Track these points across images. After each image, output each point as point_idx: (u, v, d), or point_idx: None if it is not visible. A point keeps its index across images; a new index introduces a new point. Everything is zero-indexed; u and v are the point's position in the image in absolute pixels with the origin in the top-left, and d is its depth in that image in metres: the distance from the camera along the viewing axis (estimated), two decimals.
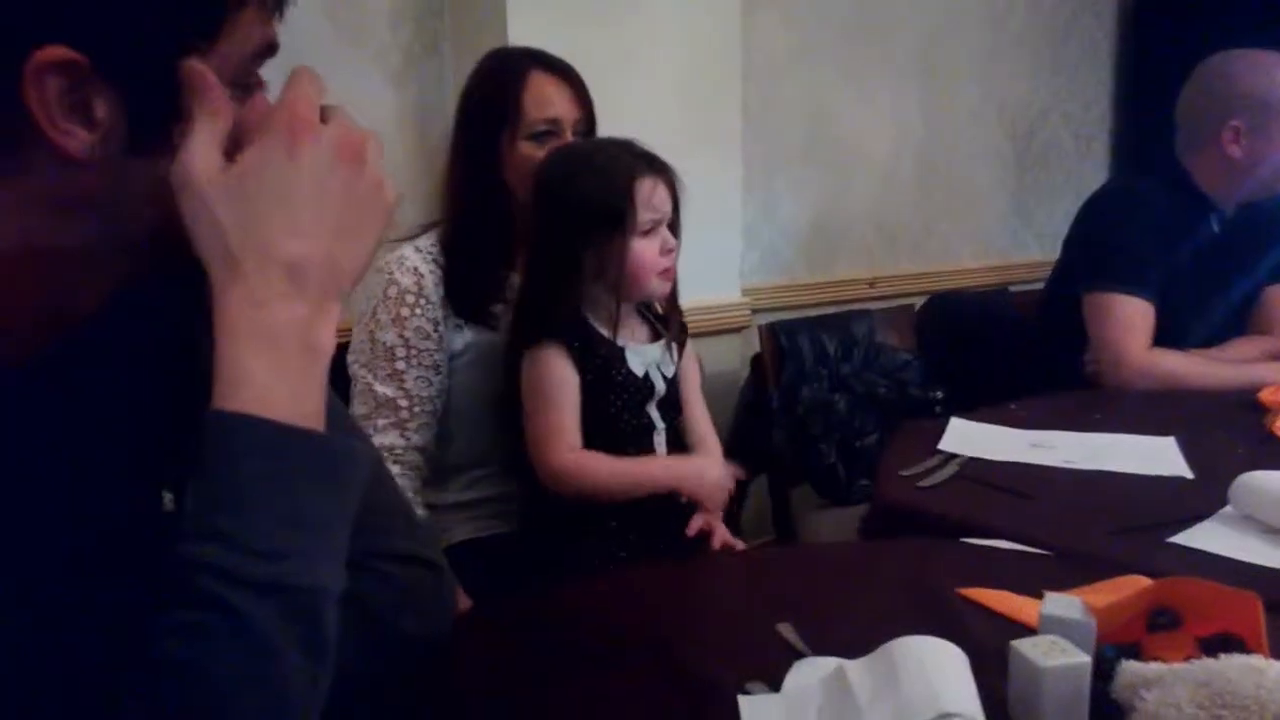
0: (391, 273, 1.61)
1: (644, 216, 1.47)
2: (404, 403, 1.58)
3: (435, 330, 1.60)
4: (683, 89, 2.28)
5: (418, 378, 1.59)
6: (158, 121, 0.65)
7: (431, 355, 1.60)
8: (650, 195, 1.48)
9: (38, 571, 0.66)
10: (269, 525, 0.61)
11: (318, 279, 0.65)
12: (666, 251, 1.51)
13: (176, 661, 0.58)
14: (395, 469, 1.57)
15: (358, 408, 1.60)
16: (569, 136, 1.62)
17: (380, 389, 1.58)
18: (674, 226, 1.53)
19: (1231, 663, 0.67)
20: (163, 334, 0.77)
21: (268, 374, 0.63)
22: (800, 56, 2.78)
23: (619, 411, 1.52)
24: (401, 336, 1.58)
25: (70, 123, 0.61)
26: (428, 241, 1.65)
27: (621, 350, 1.52)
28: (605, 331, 1.52)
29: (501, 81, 1.63)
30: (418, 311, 1.59)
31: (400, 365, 1.58)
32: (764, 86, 2.70)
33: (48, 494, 0.68)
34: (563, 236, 1.50)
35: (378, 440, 1.57)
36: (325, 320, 0.66)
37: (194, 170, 0.64)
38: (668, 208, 1.51)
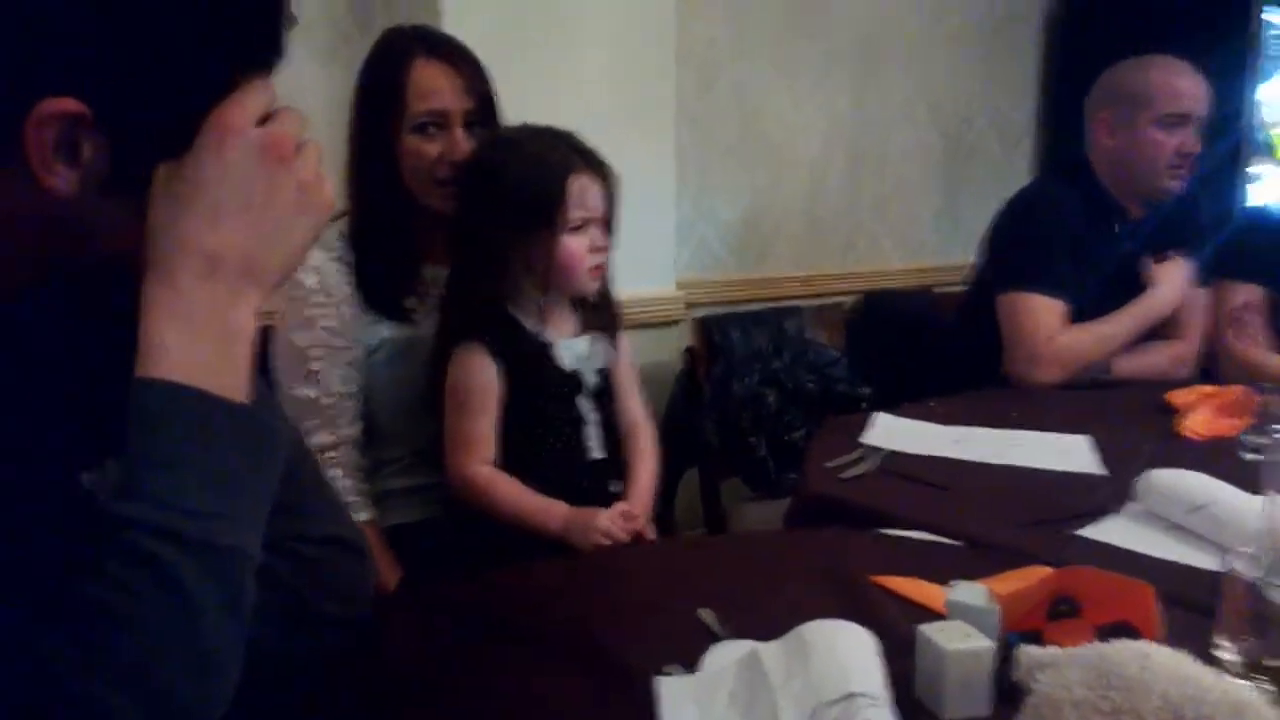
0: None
1: (575, 214, 1.46)
2: (326, 400, 1.55)
3: (345, 328, 1.56)
4: (616, 79, 2.28)
5: (336, 375, 1.55)
6: (137, 168, 0.69)
7: (347, 352, 1.56)
8: (583, 192, 1.47)
9: None
10: (195, 485, 0.64)
11: (234, 269, 0.69)
12: (596, 249, 1.50)
13: (104, 605, 0.61)
14: (336, 472, 1.54)
15: (288, 412, 1.55)
16: (457, 128, 1.56)
17: (300, 392, 1.54)
18: (610, 225, 1.52)
19: (1119, 646, 0.70)
20: (86, 320, 0.80)
21: (183, 347, 0.67)
22: (735, 49, 2.78)
23: (546, 405, 1.52)
24: (312, 336, 1.54)
25: (58, 162, 0.65)
26: (331, 235, 1.59)
27: (548, 346, 1.52)
28: (532, 326, 1.51)
29: (386, 68, 1.56)
30: (327, 310, 1.55)
31: (315, 366, 1.54)
32: (698, 80, 2.70)
33: None
34: (490, 227, 1.49)
35: (309, 442, 1.52)
36: (242, 304, 0.70)
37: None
38: (600, 206, 1.50)
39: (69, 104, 0.63)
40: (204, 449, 0.66)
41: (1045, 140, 3.61)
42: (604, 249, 1.51)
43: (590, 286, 1.53)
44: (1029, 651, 0.75)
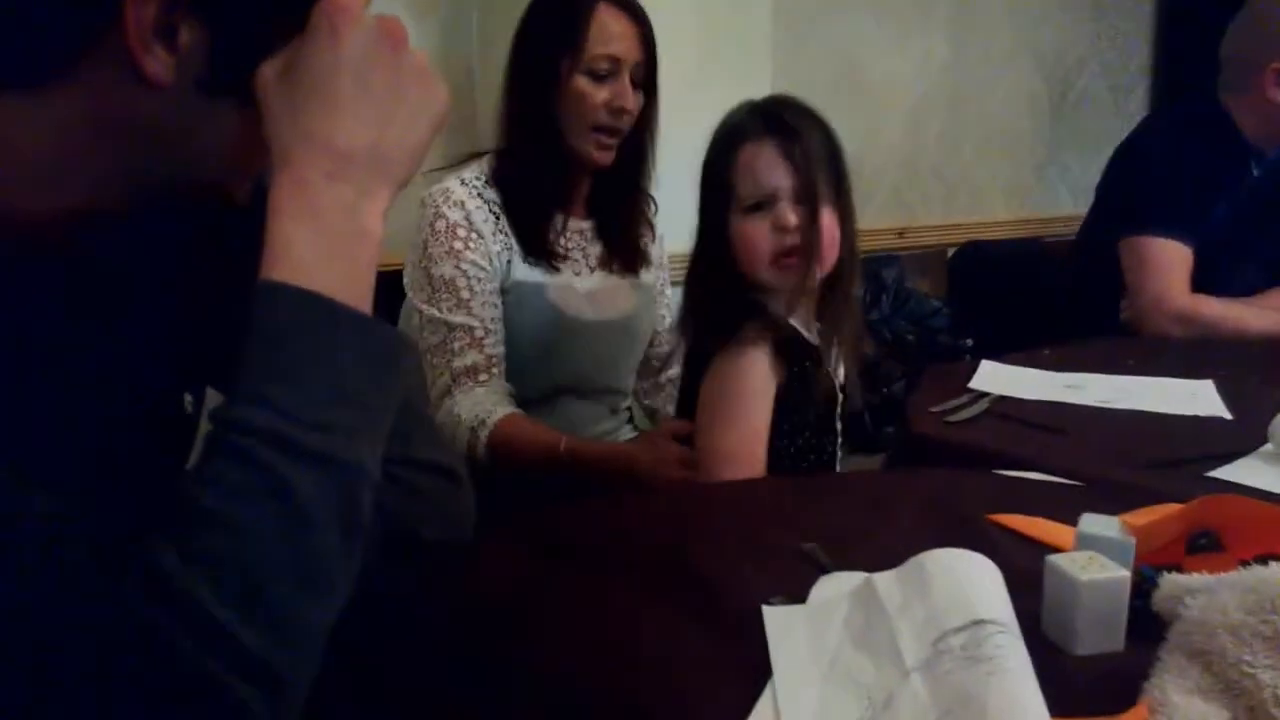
0: (438, 206, 1.59)
1: (743, 190, 1.28)
2: (475, 323, 1.58)
3: (490, 264, 1.60)
4: (711, 30, 2.24)
5: (484, 303, 1.59)
6: (235, 66, 0.67)
7: (491, 281, 1.60)
8: (751, 163, 1.28)
9: (60, 458, 0.65)
10: (316, 396, 0.62)
11: (363, 165, 0.67)
12: (779, 229, 1.27)
13: (215, 512, 0.58)
14: (481, 390, 1.57)
15: (429, 338, 1.59)
16: (627, 78, 1.57)
17: (449, 317, 1.58)
18: (811, 197, 1.28)
19: None
20: (195, 244, 0.80)
21: (311, 248, 0.64)
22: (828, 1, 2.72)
23: (813, 418, 1.35)
24: (459, 269, 1.57)
25: (157, 45, 0.63)
26: (472, 173, 1.63)
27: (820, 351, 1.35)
28: (804, 330, 1.34)
29: (568, 9, 1.57)
30: (471, 245, 1.58)
31: (465, 295, 1.58)
32: (794, 29, 2.64)
33: (75, 384, 0.69)
34: (705, 212, 1.37)
35: (458, 363, 1.57)
36: (371, 204, 0.67)
37: (260, 71, 0.67)
38: (779, 181, 1.28)
39: None
40: (329, 360, 0.63)
41: (1159, 91, 3.46)
42: (788, 229, 1.27)
43: (779, 280, 1.31)
44: (1174, 578, 0.69)
